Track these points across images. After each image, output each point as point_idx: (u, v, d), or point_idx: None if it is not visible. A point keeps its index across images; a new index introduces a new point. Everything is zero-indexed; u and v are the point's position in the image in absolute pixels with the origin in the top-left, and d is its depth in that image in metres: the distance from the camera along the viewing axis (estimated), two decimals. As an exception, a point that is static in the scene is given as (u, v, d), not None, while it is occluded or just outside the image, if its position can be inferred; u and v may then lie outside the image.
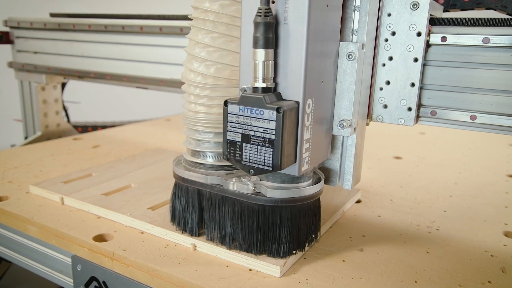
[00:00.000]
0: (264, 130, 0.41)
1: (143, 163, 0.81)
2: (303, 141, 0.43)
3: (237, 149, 0.44)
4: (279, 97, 0.43)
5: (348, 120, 0.48)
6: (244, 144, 0.43)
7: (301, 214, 0.48)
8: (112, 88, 1.33)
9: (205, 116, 0.50)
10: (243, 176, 0.48)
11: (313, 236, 0.51)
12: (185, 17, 0.79)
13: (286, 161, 0.42)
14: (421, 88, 0.51)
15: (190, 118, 0.51)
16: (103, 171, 0.75)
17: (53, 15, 1.02)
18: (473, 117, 0.49)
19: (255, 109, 0.41)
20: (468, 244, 0.55)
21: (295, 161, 0.44)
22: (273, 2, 0.41)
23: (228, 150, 0.44)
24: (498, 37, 0.46)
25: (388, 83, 0.51)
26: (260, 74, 0.42)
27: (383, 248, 0.53)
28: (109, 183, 0.69)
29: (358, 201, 0.69)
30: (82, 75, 0.96)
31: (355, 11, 0.47)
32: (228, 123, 0.43)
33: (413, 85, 0.50)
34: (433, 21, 0.49)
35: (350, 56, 0.46)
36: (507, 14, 0.56)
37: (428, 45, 0.50)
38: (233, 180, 0.47)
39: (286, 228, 0.47)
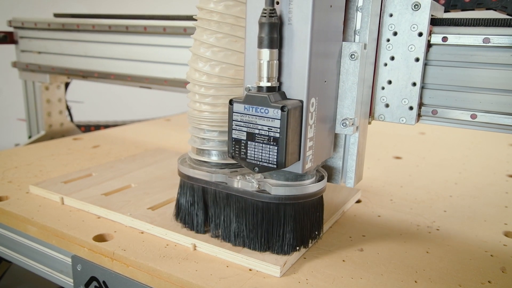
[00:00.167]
0: (268, 129, 0.42)
1: (143, 163, 0.80)
2: (306, 139, 0.44)
3: (242, 147, 0.44)
4: (284, 96, 0.44)
5: (351, 119, 0.49)
6: (249, 142, 0.44)
7: (304, 211, 0.48)
8: (112, 88, 1.33)
9: (210, 115, 0.50)
10: (247, 174, 0.49)
11: (316, 233, 0.51)
12: (188, 18, 0.80)
13: (290, 159, 0.43)
14: (422, 88, 0.52)
15: (195, 117, 0.51)
16: (103, 171, 0.75)
17: (57, 15, 1.02)
18: (473, 116, 0.50)
19: (260, 107, 0.42)
20: (468, 244, 0.55)
21: (299, 159, 0.44)
22: (277, 3, 0.42)
23: (233, 148, 0.45)
24: (498, 37, 0.47)
25: (390, 82, 0.52)
26: (264, 74, 0.42)
27: (383, 248, 0.53)
28: (109, 183, 0.69)
29: (358, 201, 0.69)
30: (86, 75, 0.97)
31: (358, 12, 0.48)
32: (233, 121, 0.44)
33: (414, 84, 0.50)
34: (434, 22, 0.50)
35: (353, 56, 0.47)
36: (507, 14, 0.56)
37: (429, 45, 0.50)
38: (238, 178, 0.48)
39: (290, 225, 0.48)
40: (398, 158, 0.97)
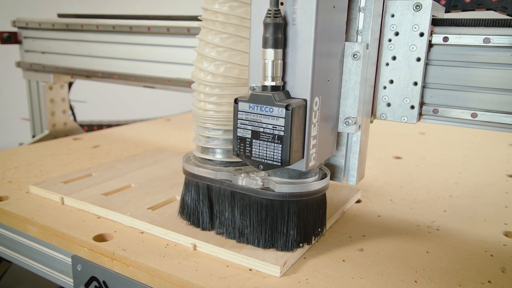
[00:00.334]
0: (273, 127, 0.43)
1: (143, 163, 0.80)
2: (310, 137, 0.45)
3: (247, 145, 0.45)
4: (288, 95, 0.44)
5: (353, 117, 0.49)
6: (254, 141, 0.44)
7: (308, 208, 0.49)
8: (113, 88, 1.33)
9: (215, 114, 0.51)
10: (251, 171, 0.50)
11: (319, 229, 0.52)
12: (192, 18, 0.80)
13: (294, 156, 0.44)
14: (423, 87, 0.52)
15: (200, 116, 0.52)
16: (103, 171, 0.75)
17: (61, 15, 1.03)
18: (474, 115, 0.50)
19: (264, 106, 0.43)
20: (468, 244, 0.55)
21: (303, 157, 0.45)
22: (282, 4, 0.43)
23: (238, 146, 0.46)
24: (499, 37, 0.47)
25: (391, 82, 0.52)
26: (269, 73, 0.43)
27: (383, 248, 0.53)
28: (109, 183, 0.69)
29: (358, 201, 0.69)
30: (89, 75, 0.97)
31: (360, 12, 0.48)
32: (238, 120, 0.45)
33: (415, 84, 0.51)
34: (435, 22, 0.50)
35: (355, 56, 0.47)
36: (507, 15, 0.56)
37: (430, 45, 0.51)
38: (242, 175, 0.49)
39: (293, 222, 0.48)
40: (398, 158, 0.97)
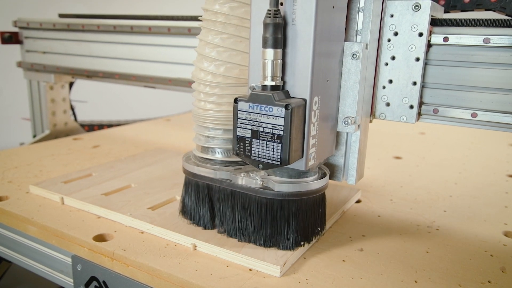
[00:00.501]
0: (273, 126, 0.43)
1: (143, 163, 0.80)
2: (309, 137, 0.45)
3: (247, 144, 0.45)
4: (287, 95, 0.44)
5: (352, 117, 0.49)
6: (253, 140, 0.45)
7: (307, 208, 0.49)
8: (114, 88, 1.33)
9: (215, 114, 0.51)
10: (251, 171, 0.50)
11: (319, 229, 0.52)
12: (192, 18, 0.81)
13: (294, 156, 0.44)
14: (423, 87, 0.53)
15: (200, 116, 0.52)
16: (103, 171, 0.75)
17: (62, 15, 1.03)
18: (474, 115, 0.50)
19: (264, 106, 0.43)
20: (468, 244, 0.55)
21: (302, 156, 0.45)
22: (281, 4, 0.43)
23: (238, 145, 0.46)
24: (499, 37, 0.47)
25: (390, 81, 0.52)
26: (269, 73, 0.43)
27: (383, 248, 0.53)
28: (109, 183, 0.69)
29: (358, 201, 0.69)
30: (90, 75, 0.98)
31: (359, 12, 0.48)
32: (238, 119, 0.45)
33: (415, 83, 0.51)
34: (434, 22, 0.51)
35: (355, 56, 0.47)
36: (506, 15, 0.56)
37: (429, 45, 0.51)
38: (242, 175, 0.49)
39: (293, 221, 0.48)
40: (398, 158, 0.97)
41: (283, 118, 0.42)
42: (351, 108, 0.49)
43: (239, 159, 0.50)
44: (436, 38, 0.50)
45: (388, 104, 0.53)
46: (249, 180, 0.48)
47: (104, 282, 0.51)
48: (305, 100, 0.44)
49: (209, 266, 0.47)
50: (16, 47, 1.09)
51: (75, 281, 0.54)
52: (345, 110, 0.50)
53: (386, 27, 0.51)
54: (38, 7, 1.95)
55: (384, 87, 0.53)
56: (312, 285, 0.45)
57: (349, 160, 0.53)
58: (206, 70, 0.50)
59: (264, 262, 0.46)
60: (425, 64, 0.51)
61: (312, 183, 0.48)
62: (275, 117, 0.43)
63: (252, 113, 0.44)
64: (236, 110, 0.45)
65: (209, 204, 0.53)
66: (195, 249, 0.51)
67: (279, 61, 0.43)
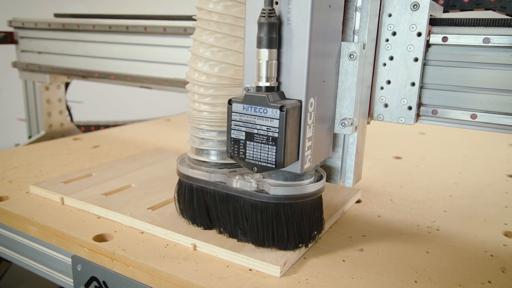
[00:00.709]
0: (267, 128, 0.42)
1: (143, 163, 0.80)
2: (305, 139, 0.44)
3: (241, 147, 0.44)
4: (282, 96, 0.44)
5: (350, 118, 0.49)
6: (247, 142, 0.44)
7: (303, 211, 0.48)
8: (112, 88, 1.33)
9: (209, 115, 0.50)
10: (246, 173, 0.49)
11: (315, 233, 0.51)
12: (188, 18, 0.80)
13: (289, 158, 0.43)
14: (422, 88, 0.52)
15: (194, 117, 0.52)
16: (103, 171, 0.75)
17: (57, 15, 1.02)
18: (473, 116, 0.50)
19: (258, 107, 0.42)
20: (468, 244, 0.55)
21: (298, 159, 0.44)
22: (276, 3, 0.42)
23: (232, 148, 0.45)
24: (498, 37, 0.47)
25: (388, 82, 0.52)
26: (263, 74, 0.42)
27: (383, 248, 0.53)
28: (109, 183, 0.69)
29: (358, 201, 0.69)
30: (86, 75, 0.97)
31: (357, 12, 0.48)
32: (232, 121, 0.44)
33: (413, 84, 0.50)
34: (433, 22, 0.50)
35: (352, 56, 0.47)
36: (506, 14, 0.56)
37: (428, 45, 0.50)
38: (237, 177, 0.48)
39: (288, 225, 0.48)
40: (398, 158, 0.97)
41: (278, 120, 0.41)
42: (348, 109, 0.48)
43: (234, 162, 0.50)
44: (435, 38, 0.49)
45: (386, 105, 0.52)
46: (243, 183, 0.47)
47: (104, 282, 0.51)
48: (300, 101, 0.43)
49: (209, 266, 0.47)
50: (12, 47, 1.08)
51: (75, 281, 0.54)
52: (342, 111, 0.49)
53: (384, 27, 0.50)
54: (37, 5, 1.95)
55: (382, 88, 0.52)
56: (312, 285, 0.45)
57: (347, 162, 0.52)
58: (200, 71, 0.49)
59: (264, 262, 0.46)
60: (424, 64, 0.51)
61: (308, 186, 0.47)
62: (269, 119, 0.42)
63: (246, 115, 0.43)
64: (230, 112, 0.44)
65: (205, 207, 0.52)
66: (195, 249, 0.51)
67: (274, 62, 0.42)
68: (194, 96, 0.51)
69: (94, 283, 0.52)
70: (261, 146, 0.43)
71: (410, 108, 0.51)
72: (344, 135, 0.51)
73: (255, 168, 0.44)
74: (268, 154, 0.43)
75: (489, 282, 0.47)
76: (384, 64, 0.51)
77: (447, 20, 0.49)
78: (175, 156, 0.85)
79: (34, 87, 1.10)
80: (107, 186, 0.67)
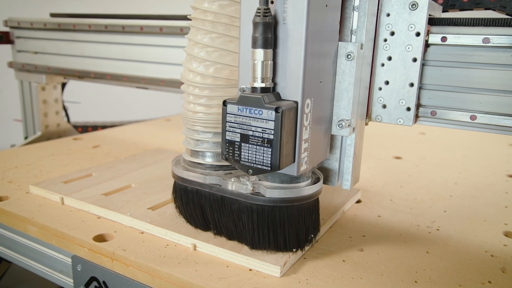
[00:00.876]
0: (262, 130, 0.41)
1: (143, 163, 0.81)
2: (301, 141, 0.43)
3: (236, 149, 0.43)
4: (278, 97, 0.43)
5: (347, 120, 0.48)
6: (243, 144, 0.43)
7: (299, 214, 0.48)
8: (111, 88, 1.33)
9: (204, 116, 0.50)
10: (242, 176, 0.48)
11: (312, 236, 0.51)
12: (185, 17, 0.79)
13: (285, 161, 0.42)
14: (420, 88, 0.51)
15: (189, 118, 0.51)
16: (103, 171, 0.75)
17: (53, 15, 1.02)
18: (473, 117, 0.49)
19: (254, 109, 0.41)
20: (468, 244, 0.55)
21: (294, 161, 0.44)
22: (272, 2, 0.41)
23: (227, 150, 0.44)
24: (498, 37, 0.46)
25: (387, 83, 0.51)
26: (259, 74, 0.42)
27: (383, 248, 0.53)
28: (109, 183, 0.69)
29: (358, 201, 0.69)
30: (82, 75, 0.96)
31: (354, 11, 0.47)
32: (227, 123, 0.43)
33: (412, 85, 0.50)
34: (432, 21, 0.49)
35: (349, 56, 0.46)
36: (506, 14, 0.56)
37: (427, 45, 0.50)
38: (232, 180, 0.48)
39: (284, 228, 0.47)
40: (398, 158, 0.97)
41: (273, 122, 0.40)
42: (345, 110, 0.48)
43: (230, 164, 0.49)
44: (434, 38, 0.49)
45: (384, 106, 0.51)
46: (239, 185, 0.47)
47: (104, 282, 0.51)
48: (296, 102, 0.42)
49: (209, 266, 0.47)
50: (8, 47, 1.07)
51: (75, 281, 0.55)
52: (340, 112, 0.48)
53: (382, 27, 0.49)
54: (33, 5, 1.95)
55: (380, 89, 0.51)
56: (312, 285, 0.45)
57: (344, 164, 0.51)
58: (195, 71, 0.48)
59: (264, 262, 0.46)
60: (423, 64, 0.50)
61: (305, 189, 0.47)
62: (265, 121, 0.41)
63: (241, 116, 0.42)
64: (225, 113, 0.43)
65: (200, 209, 0.51)
66: (195, 249, 0.51)
67: (270, 62, 0.41)
68: (189, 97, 0.50)
69: (94, 283, 0.52)
70: (256, 148, 0.42)
71: (408, 109, 0.50)
72: (342, 136, 0.51)
73: (250, 170, 0.43)
74: (263, 156, 0.42)
75: (489, 282, 0.47)
76: (382, 65, 0.50)
77: (446, 20, 0.49)
78: (175, 156, 0.85)
79: (30, 87, 1.10)
80: (107, 186, 0.68)
